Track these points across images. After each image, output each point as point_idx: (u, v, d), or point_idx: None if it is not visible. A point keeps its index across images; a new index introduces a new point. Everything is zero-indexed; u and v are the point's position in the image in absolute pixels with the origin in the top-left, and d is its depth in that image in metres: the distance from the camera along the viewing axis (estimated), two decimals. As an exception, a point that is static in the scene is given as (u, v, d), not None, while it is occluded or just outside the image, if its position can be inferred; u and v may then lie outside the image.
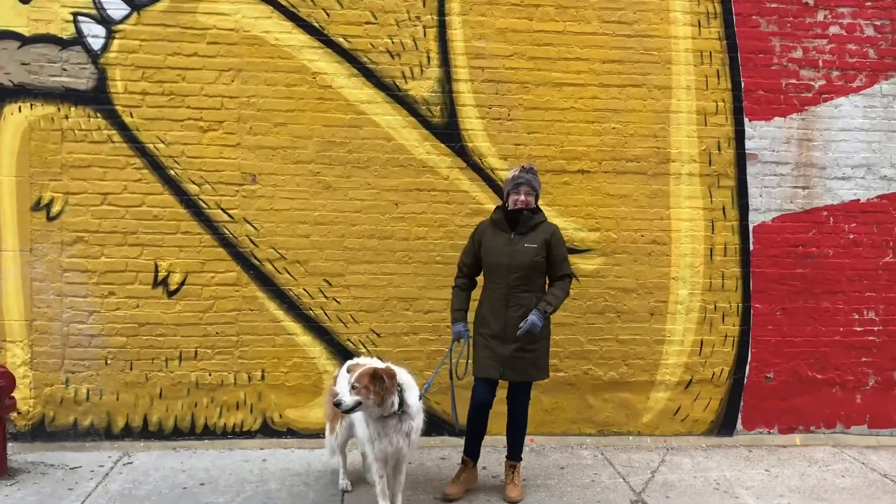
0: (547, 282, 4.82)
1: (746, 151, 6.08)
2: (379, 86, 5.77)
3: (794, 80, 6.10)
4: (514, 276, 4.66)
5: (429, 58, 5.81)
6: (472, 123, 5.86)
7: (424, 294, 5.86)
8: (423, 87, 5.81)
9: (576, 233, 5.98)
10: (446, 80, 5.83)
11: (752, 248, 6.12)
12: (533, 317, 4.63)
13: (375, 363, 4.97)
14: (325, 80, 5.73)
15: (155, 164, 5.63)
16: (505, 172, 5.84)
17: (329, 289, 5.80)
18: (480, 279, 4.94)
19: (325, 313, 5.81)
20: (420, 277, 5.86)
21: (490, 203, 5.84)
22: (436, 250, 5.85)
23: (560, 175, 5.93)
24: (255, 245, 5.73)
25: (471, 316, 4.92)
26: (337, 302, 5.81)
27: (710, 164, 6.06)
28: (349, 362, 5.05)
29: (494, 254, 4.73)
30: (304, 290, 5.78)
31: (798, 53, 6.10)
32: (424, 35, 5.80)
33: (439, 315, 5.81)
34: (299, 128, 5.72)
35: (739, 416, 6.17)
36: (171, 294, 5.67)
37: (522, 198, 4.68)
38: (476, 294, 4.93)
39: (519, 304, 4.67)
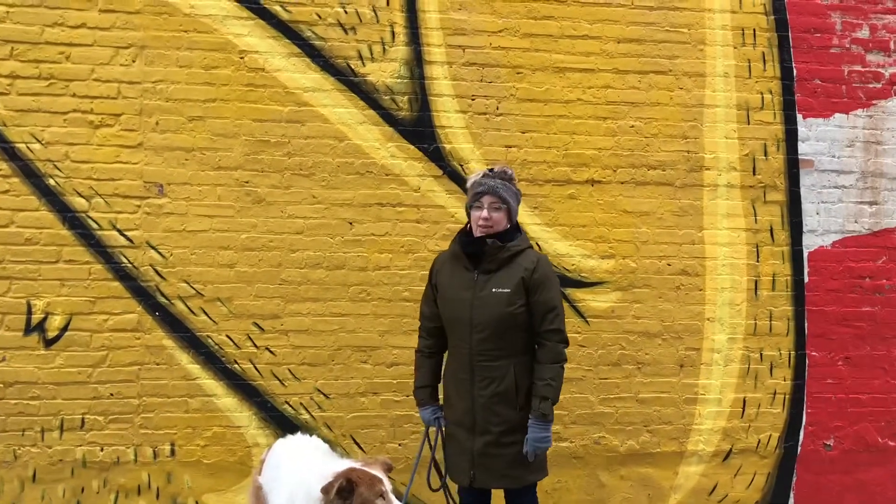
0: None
1: (800, 157, 4.93)
2: (328, 69, 4.54)
3: (858, 67, 4.95)
4: (480, 337, 3.33)
5: (393, 33, 4.60)
6: (449, 119, 4.64)
7: (387, 341, 4.61)
8: (385, 72, 4.59)
9: (584, 261, 4.76)
10: (416, 63, 4.62)
11: (806, 280, 4.95)
12: (533, 433, 3.30)
13: (316, 445, 3.74)
14: (257, 61, 4.49)
15: (28, 171, 4.34)
16: (492, 183, 4.67)
17: (261, 335, 4.53)
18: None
19: (256, 367, 4.54)
20: (382, 320, 4.60)
21: (473, 222, 4.65)
22: (402, 283, 4.60)
23: (564, 186, 4.72)
24: (163, 278, 4.46)
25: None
26: (271, 352, 4.54)
27: (753, 173, 4.90)
28: (279, 442, 3.81)
29: (452, 303, 3.42)
30: (228, 336, 4.51)
31: (864, 33, 4.96)
32: (388, 3, 4.59)
33: (407, 369, 4.55)
34: (222, 123, 4.47)
35: (792, 494, 4.97)
36: (49, 343, 4.38)
37: (485, 214, 3.33)
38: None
39: (488, 377, 3.33)
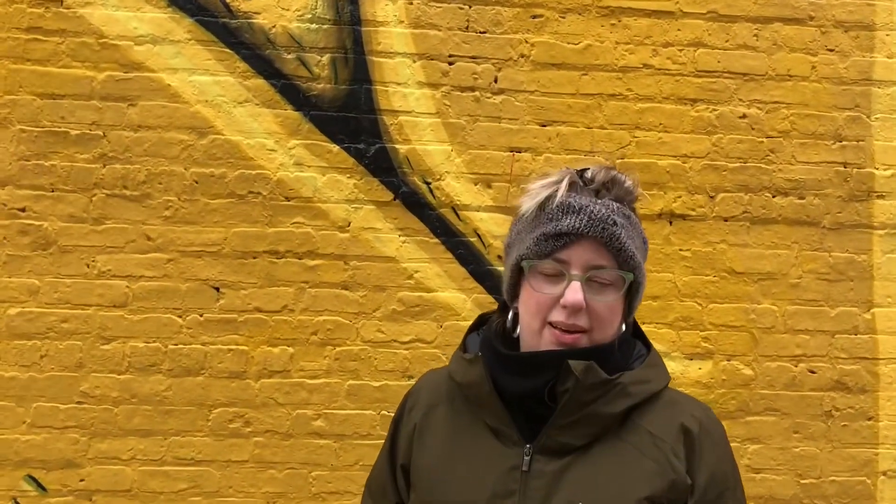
0: None
1: None
2: (180, 5, 2.59)
3: None
4: None
5: (306, -59, 2.64)
6: (406, 98, 2.63)
7: (283, 514, 2.55)
8: (288, 9, 2.60)
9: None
10: (346, -6, 2.65)
11: None
12: None
13: None
14: (50, -12, 2.56)
15: None
16: (487, 218, 2.66)
17: (43, 501, 2.50)
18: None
19: (28, 563, 2.50)
20: (273, 472, 2.55)
21: (453, 292, 2.59)
22: (313, 404, 2.55)
23: (619, 224, 2.69)
24: None
25: None
26: (58, 534, 2.50)
27: (962, 205, 2.83)
28: None
29: None
30: (-23, 502, 2.49)
31: None
32: None
33: (319, 565, 2.51)
34: (-21, 99, 2.52)
35: None
36: None
37: (577, 295, 1.22)
38: None
39: None
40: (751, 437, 2.70)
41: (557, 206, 1.25)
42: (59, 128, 2.51)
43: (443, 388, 1.37)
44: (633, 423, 1.25)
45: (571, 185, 1.27)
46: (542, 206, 1.26)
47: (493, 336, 1.32)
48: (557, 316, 1.23)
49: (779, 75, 2.76)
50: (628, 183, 1.29)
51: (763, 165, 2.74)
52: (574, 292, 1.22)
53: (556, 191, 1.26)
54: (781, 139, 2.75)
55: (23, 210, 2.50)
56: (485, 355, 1.29)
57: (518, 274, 1.29)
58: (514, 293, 1.31)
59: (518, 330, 1.31)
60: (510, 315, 1.32)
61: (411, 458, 1.35)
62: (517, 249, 1.29)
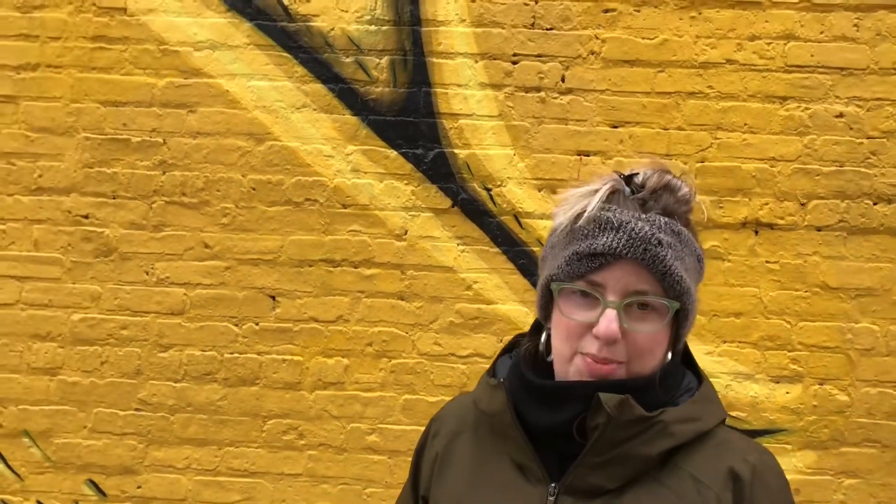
0: None
1: None
2: (238, 6, 2.57)
3: None
4: None
5: (365, -61, 2.58)
6: (467, 100, 2.52)
7: (336, 530, 2.50)
8: (347, 10, 2.54)
9: (739, 385, 2.46)
10: (406, -7, 2.58)
11: None
12: None
13: None
14: (115, -4, 2.60)
15: None
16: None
17: (97, 506, 2.54)
18: None
19: (88, 567, 2.53)
20: (324, 486, 2.51)
21: (514, 305, 2.49)
22: (368, 417, 2.49)
23: (699, 234, 2.49)
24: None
25: None
26: (116, 540, 2.53)
27: None
28: None
29: None
30: (40, 505, 2.55)
31: None
32: None
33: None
34: (46, 109, 2.55)
35: None
36: None
37: (611, 324, 1.07)
38: None
39: None
40: (846, 470, 2.46)
41: (592, 220, 1.11)
42: (121, 135, 2.55)
43: (469, 414, 1.26)
44: (674, 466, 1.11)
45: (612, 195, 1.12)
46: (576, 219, 1.13)
47: (521, 360, 1.21)
48: (589, 346, 1.10)
49: (882, 69, 2.50)
50: (684, 190, 1.14)
51: (862, 169, 2.49)
52: (608, 322, 1.08)
53: (593, 202, 1.14)
54: (885, 140, 2.49)
55: (86, 217, 2.55)
56: (511, 382, 1.18)
57: (549, 294, 1.18)
58: (547, 313, 1.20)
59: (552, 354, 1.21)
60: (543, 337, 1.21)
61: (431, 489, 1.27)
62: (549, 267, 1.17)
